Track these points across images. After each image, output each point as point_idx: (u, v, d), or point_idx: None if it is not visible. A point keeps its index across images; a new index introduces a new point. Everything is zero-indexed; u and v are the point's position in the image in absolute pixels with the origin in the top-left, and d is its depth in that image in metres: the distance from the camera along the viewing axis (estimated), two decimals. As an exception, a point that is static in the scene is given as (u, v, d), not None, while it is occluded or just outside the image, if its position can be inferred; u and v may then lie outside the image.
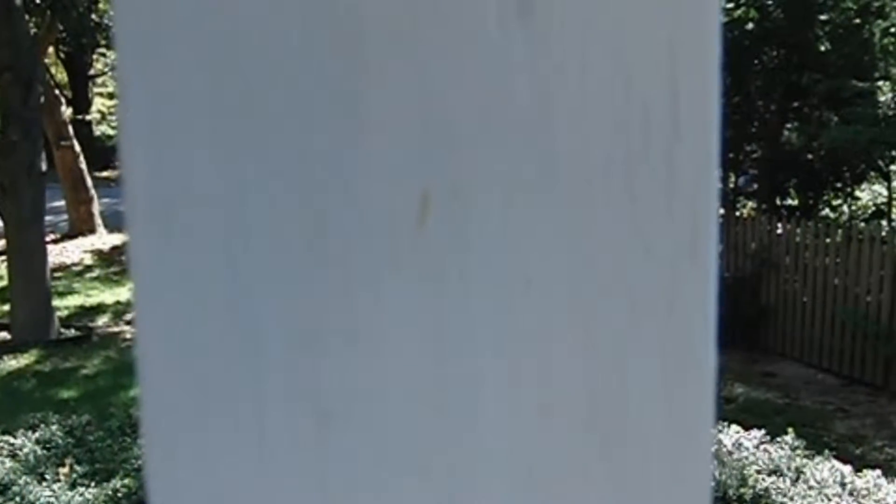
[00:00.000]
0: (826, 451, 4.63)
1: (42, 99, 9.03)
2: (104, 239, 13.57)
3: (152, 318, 0.30)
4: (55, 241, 12.62)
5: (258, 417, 0.31)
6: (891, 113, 8.81)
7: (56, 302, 9.21)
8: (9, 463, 4.42)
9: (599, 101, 0.31)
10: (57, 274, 10.87)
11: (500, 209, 0.30)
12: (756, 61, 9.97)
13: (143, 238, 0.30)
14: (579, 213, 0.31)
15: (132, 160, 0.30)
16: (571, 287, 0.31)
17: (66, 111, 13.97)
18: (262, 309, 0.30)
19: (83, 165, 13.50)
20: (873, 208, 10.47)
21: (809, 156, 10.12)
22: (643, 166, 0.31)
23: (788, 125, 10.54)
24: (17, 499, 4.06)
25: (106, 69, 20.94)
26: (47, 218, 9.04)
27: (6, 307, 9.04)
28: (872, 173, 10.28)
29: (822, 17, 9.78)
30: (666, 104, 0.31)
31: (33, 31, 10.69)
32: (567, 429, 0.32)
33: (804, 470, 4.24)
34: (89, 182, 13.74)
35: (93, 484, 4.28)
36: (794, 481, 4.16)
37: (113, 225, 13.81)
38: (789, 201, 10.61)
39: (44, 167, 8.69)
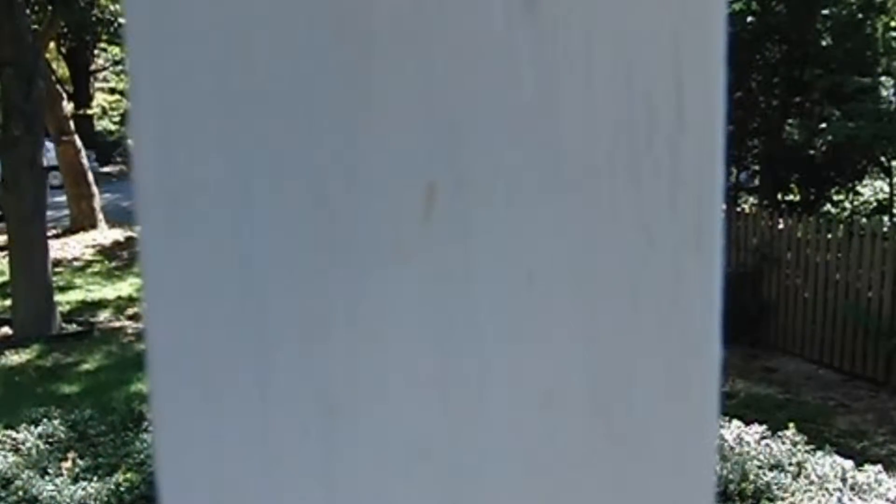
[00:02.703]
0: (827, 447, 4.64)
1: (43, 94, 9.02)
2: (105, 234, 13.58)
3: (161, 311, 0.31)
4: (56, 237, 12.63)
5: (264, 410, 0.31)
6: (893, 108, 8.80)
7: (57, 297, 9.21)
8: (11, 457, 4.43)
9: (604, 95, 0.31)
10: (58, 269, 10.88)
11: (504, 201, 0.31)
12: (758, 56, 9.96)
13: (152, 230, 0.30)
14: (584, 205, 0.31)
15: (142, 153, 0.30)
16: (575, 279, 0.32)
17: (68, 106, 13.98)
18: (268, 302, 0.30)
19: (85, 160, 13.51)
20: (875, 204, 10.46)
21: (811, 151, 10.11)
22: (647, 159, 0.31)
23: (790, 120, 10.53)
24: (21, 493, 4.07)
25: (107, 64, 20.91)
26: (48, 213, 9.04)
27: (7, 302, 9.05)
28: (874, 169, 10.27)
29: (825, 12, 9.76)
30: (670, 97, 0.31)
31: (35, 26, 10.68)
32: (571, 421, 0.32)
33: (805, 465, 4.25)
34: (90, 177, 13.75)
35: (95, 478, 4.29)
36: (796, 476, 4.17)
37: (114, 220, 13.82)
38: (791, 197, 10.60)
39: (45, 162, 8.69)
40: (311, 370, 0.31)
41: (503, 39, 0.30)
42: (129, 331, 8.98)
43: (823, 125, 9.48)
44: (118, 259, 12.22)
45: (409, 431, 0.31)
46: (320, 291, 0.30)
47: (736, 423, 4.60)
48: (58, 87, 13.42)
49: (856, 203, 10.66)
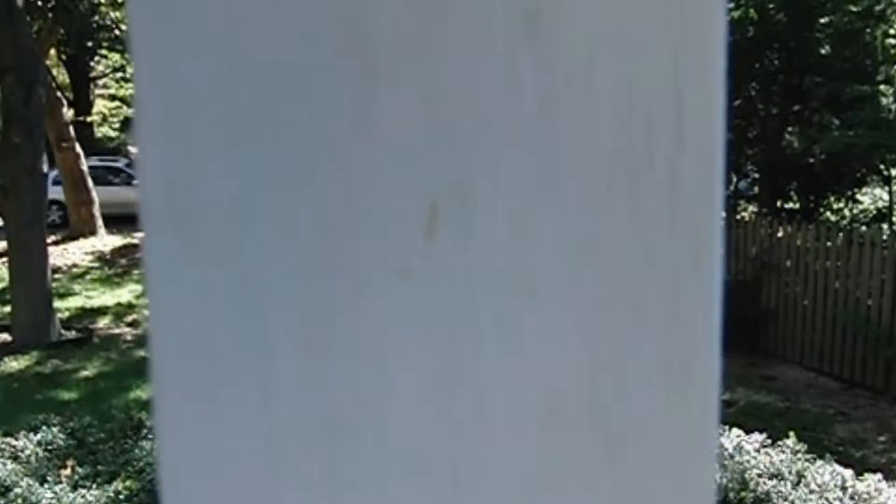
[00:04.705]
0: (827, 455, 4.63)
1: (43, 100, 9.02)
2: (105, 240, 13.58)
3: (165, 324, 0.31)
4: (56, 243, 12.62)
5: (267, 424, 0.31)
6: (891, 117, 8.81)
7: (57, 303, 9.21)
8: (10, 465, 4.42)
9: (604, 112, 0.31)
10: (57, 275, 10.87)
11: (506, 218, 0.31)
12: (757, 64, 9.97)
13: (157, 244, 0.30)
14: (584, 222, 0.31)
15: (147, 167, 0.30)
16: (575, 295, 0.32)
17: (68, 113, 13.98)
18: (271, 317, 0.31)
19: (84, 167, 13.51)
20: (874, 212, 10.46)
21: (810, 159, 10.12)
22: (647, 176, 0.31)
23: (789, 128, 10.53)
24: (20, 500, 4.06)
25: (107, 71, 20.91)
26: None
27: (7, 309, 9.04)
28: (874, 177, 10.27)
29: (824, 21, 9.78)
30: (670, 114, 0.31)
31: (35, 32, 10.69)
32: (571, 436, 0.32)
33: (805, 474, 4.24)
34: (90, 183, 13.75)
35: (95, 486, 4.28)
36: (795, 485, 4.16)
37: (113, 226, 13.82)
38: (790, 205, 10.61)
39: (45, 169, 8.70)
40: (314, 383, 0.31)
41: (504, 57, 0.30)
42: (128, 337, 8.97)
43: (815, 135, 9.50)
44: (117, 266, 12.22)
45: (411, 446, 0.32)
46: (322, 306, 0.31)
47: (735, 431, 4.59)
48: (58, 93, 13.42)
49: (855, 211, 10.66)
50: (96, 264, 12.42)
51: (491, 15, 0.30)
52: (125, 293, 10.72)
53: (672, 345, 0.32)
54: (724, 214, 0.34)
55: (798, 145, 10.43)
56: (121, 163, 16.47)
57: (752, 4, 9.75)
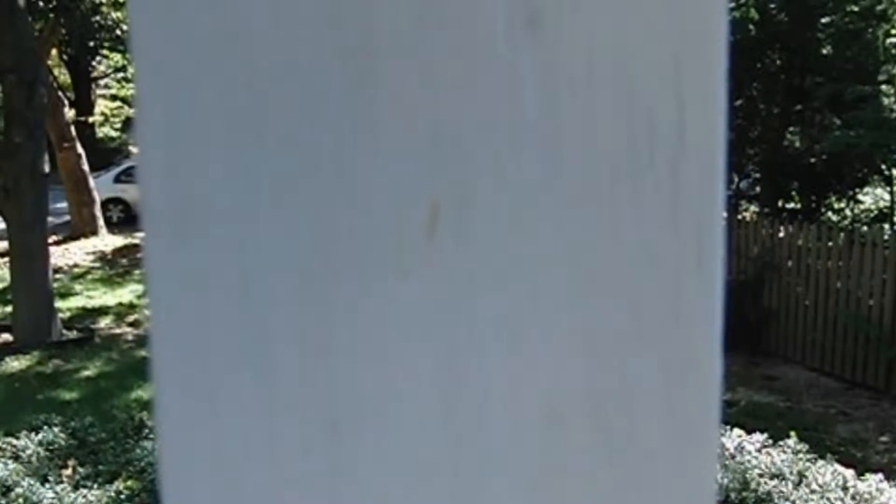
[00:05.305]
0: (828, 455, 4.63)
1: (45, 101, 9.03)
2: (106, 241, 13.59)
3: (165, 325, 0.31)
4: (57, 243, 12.62)
5: (268, 424, 0.31)
6: (893, 117, 8.80)
7: (58, 303, 9.20)
8: (12, 465, 4.42)
9: (606, 114, 0.31)
10: (59, 275, 10.88)
11: (507, 219, 0.31)
12: (758, 64, 9.97)
13: (157, 244, 0.30)
14: (584, 222, 0.31)
15: (148, 167, 0.30)
16: (577, 296, 0.32)
17: (69, 113, 13.99)
18: (272, 318, 0.31)
19: (86, 167, 13.52)
20: (876, 212, 10.45)
21: (812, 159, 10.12)
22: (649, 178, 0.31)
23: (791, 128, 10.53)
24: (21, 500, 4.06)
25: (109, 71, 20.93)
26: (49, 219, 9.03)
27: (8, 309, 9.04)
28: (875, 177, 10.27)
29: (825, 20, 9.77)
30: (672, 117, 0.31)
31: (37, 33, 10.70)
32: (571, 436, 0.32)
33: (806, 474, 4.23)
34: (92, 184, 13.77)
35: (96, 486, 4.28)
36: (797, 485, 4.16)
37: (114, 226, 13.83)
38: (792, 204, 10.60)
39: (46, 169, 8.70)
40: (314, 383, 0.31)
41: (505, 57, 0.30)
42: (130, 337, 8.98)
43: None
44: (119, 266, 12.23)
45: (411, 445, 0.32)
46: (322, 306, 0.31)
47: (737, 431, 4.59)
48: (59, 93, 13.42)
49: (857, 211, 10.65)
50: (97, 264, 12.42)
51: (492, 16, 0.30)
52: (126, 293, 10.72)
53: (673, 345, 0.32)
54: (725, 214, 0.34)
55: (800, 145, 10.43)
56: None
57: (753, 4, 9.75)
